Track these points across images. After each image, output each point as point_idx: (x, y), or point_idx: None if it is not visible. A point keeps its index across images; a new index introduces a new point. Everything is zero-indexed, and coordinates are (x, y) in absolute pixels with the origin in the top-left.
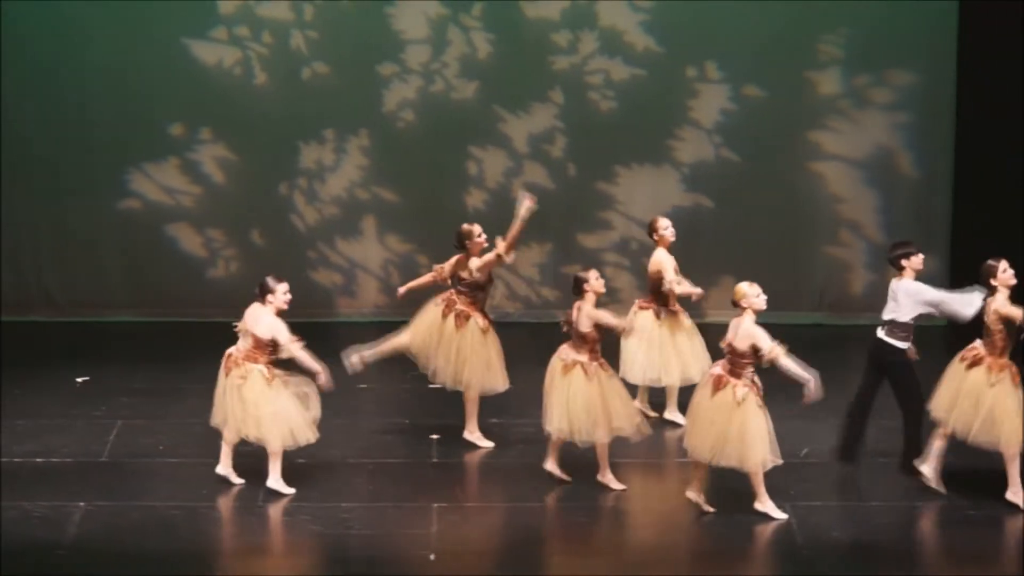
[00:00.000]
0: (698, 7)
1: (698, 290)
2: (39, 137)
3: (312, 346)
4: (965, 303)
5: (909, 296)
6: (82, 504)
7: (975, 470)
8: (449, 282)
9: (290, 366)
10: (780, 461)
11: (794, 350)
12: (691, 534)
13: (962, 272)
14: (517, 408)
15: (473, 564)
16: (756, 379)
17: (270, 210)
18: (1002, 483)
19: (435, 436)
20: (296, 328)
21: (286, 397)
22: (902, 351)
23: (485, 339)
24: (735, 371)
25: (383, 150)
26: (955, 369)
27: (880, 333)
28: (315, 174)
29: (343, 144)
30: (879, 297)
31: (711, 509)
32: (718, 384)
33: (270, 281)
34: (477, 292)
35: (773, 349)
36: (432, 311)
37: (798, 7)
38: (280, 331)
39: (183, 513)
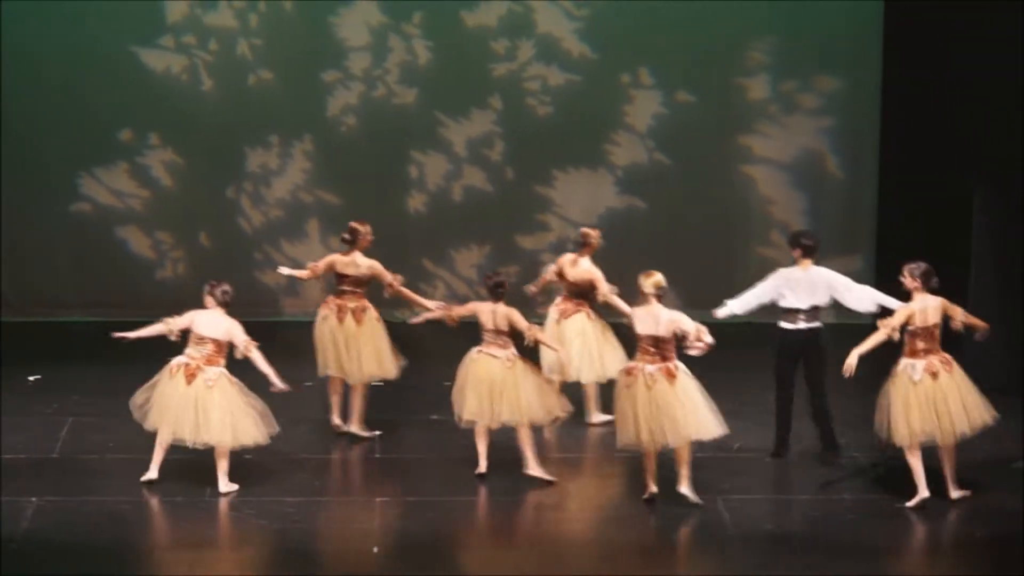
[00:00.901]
0: (632, 16)
1: (628, 309)
2: None
3: (259, 346)
4: (876, 299)
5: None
6: (34, 500)
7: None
8: (321, 278)
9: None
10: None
11: (724, 347)
12: (624, 528)
13: (887, 271)
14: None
15: (415, 557)
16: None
17: (217, 213)
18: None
19: (377, 432)
20: (243, 328)
21: (244, 399)
22: (815, 334)
23: (379, 328)
24: (654, 359)
25: (326, 154)
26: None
27: (788, 324)
28: (260, 178)
29: (288, 148)
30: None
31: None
32: (631, 372)
33: (216, 285)
34: (362, 286)
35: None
36: (322, 327)
37: (728, 16)
38: (238, 333)
39: (132, 508)
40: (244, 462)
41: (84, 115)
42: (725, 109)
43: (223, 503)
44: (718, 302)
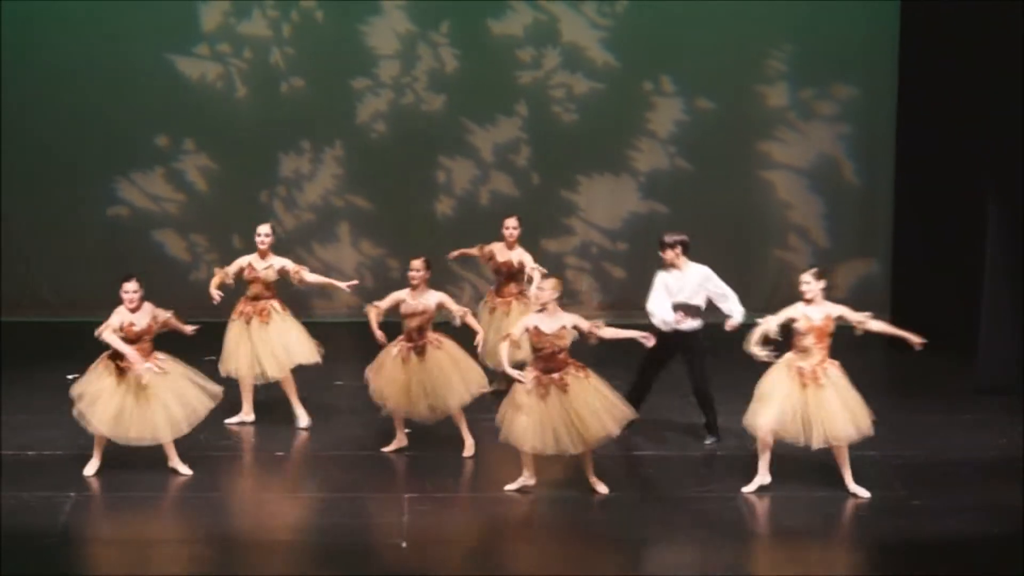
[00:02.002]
0: (654, 25)
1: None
2: (33, 148)
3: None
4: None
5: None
6: (72, 494)
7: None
8: (233, 283)
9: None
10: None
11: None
12: (650, 523)
13: (903, 275)
14: (486, 403)
15: (442, 552)
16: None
17: (250, 216)
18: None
19: (407, 430)
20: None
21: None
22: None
23: (286, 320)
24: (552, 367)
25: (357, 160)
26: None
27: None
28: (293, 182)
29: (319, 154)
30: (827, 297)
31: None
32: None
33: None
34: (271, 287)
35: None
36: (235, 330)
37: (748, 25)
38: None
39: (171, 500)
40: (277, 459)
41: (121, 121)
42: (744, 116)
43: (257, 497)
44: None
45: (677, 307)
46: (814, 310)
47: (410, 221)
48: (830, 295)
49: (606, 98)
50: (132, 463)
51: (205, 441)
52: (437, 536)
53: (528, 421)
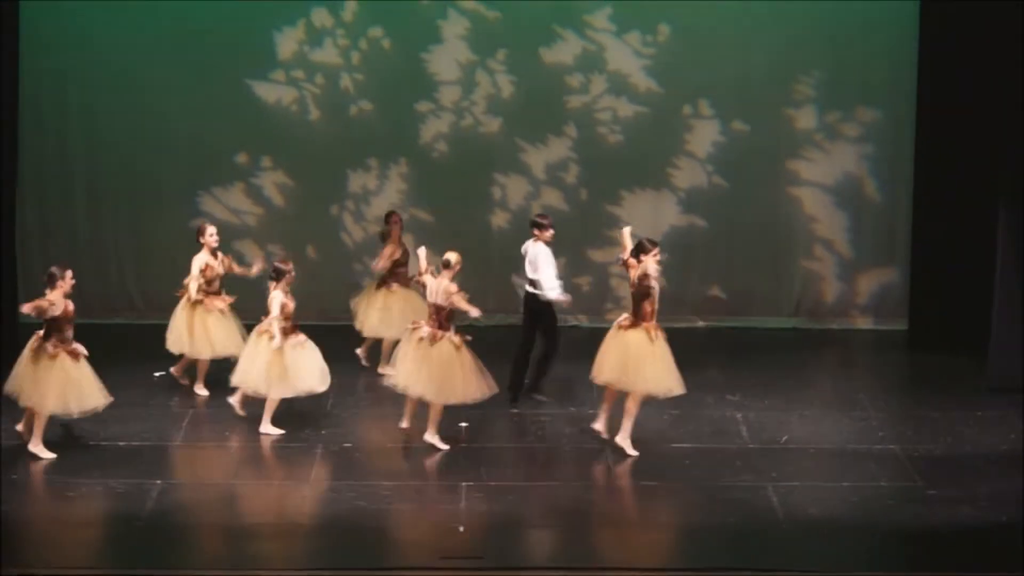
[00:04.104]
0: (693, 54)
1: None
2: (124, 165)
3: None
4: (549, 288)
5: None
6: (159, 482)
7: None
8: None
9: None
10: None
11: (773, 350)
12: (688, 512)
13: (921, 282)
14: (535, 399)
15: (495, 536)
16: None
17: (322, 228)
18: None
19: (464, 424)
20: (343, 331)
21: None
22: (548, 302)
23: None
24: (443, 324)
25: (419, 176)
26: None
27: (531, 289)
28: (360, 197)
29: (385, 171)
30: (849, 304)
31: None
32: (434, 338)
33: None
34: (215, 282)
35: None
36: (180, 316)
37: (778, 54)
38: None
39: (248, 490)
40: (344, 450)
41: (205, 141)
42: (775, 137)
43: (331, 485)
44: (767, 308)
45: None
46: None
47: (467, 233)
48: (854, 301)
49: (648, 121)
50: (211, 454)
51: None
52: (491, 521)
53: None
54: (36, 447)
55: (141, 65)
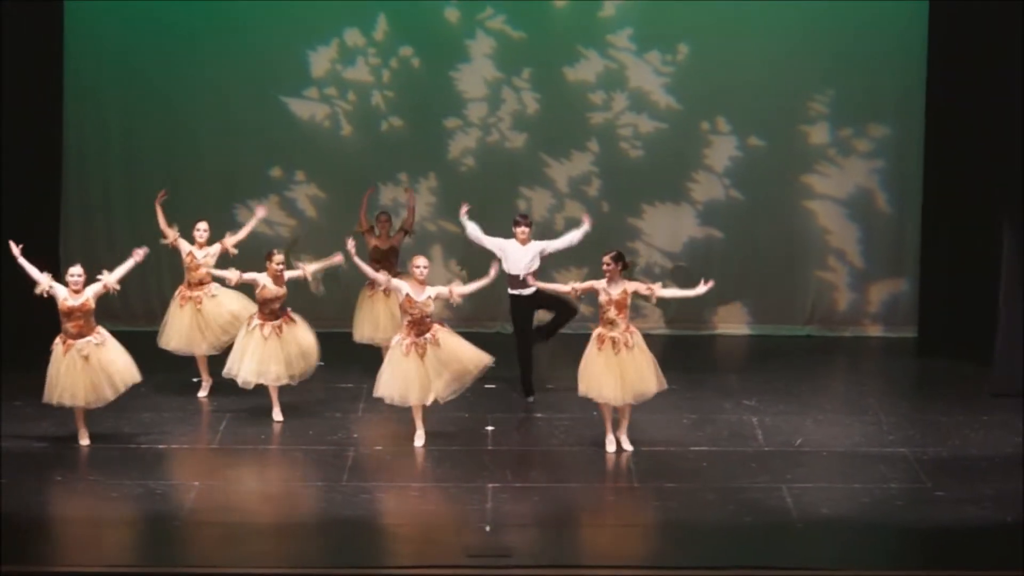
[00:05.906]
0: (711, 72)
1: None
2: (164, 183)
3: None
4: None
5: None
6: (197, 483)
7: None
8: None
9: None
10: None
11: (788, 356)
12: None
13: (930, 293)
14: (558, 404)
15: (521, 535)
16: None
17: (354, 240)
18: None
19: (490, 428)
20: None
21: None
22: (529, 296)
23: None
24: (422, 331)
25: (448, 189)
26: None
27: (512, 291)
28: (391, 209)
29: (414, 185)
30: (860, 312)
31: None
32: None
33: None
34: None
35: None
36: (176, 312)
37: (793, 72)
38: None
39: (285, 491)
40: (376, 453)
41: (241, 155)
42: (790, 152)
43: (360, 487)
44: (782, 316)
45: (524, 276)
46: (613, 287)
47: None
48: (865, 309)
49: (668, 136)
50: (247, 458)
51: (314, 436)
52: (517, 521)
53: (408, 380)
54: (83, 439)
55: (181, 87)
